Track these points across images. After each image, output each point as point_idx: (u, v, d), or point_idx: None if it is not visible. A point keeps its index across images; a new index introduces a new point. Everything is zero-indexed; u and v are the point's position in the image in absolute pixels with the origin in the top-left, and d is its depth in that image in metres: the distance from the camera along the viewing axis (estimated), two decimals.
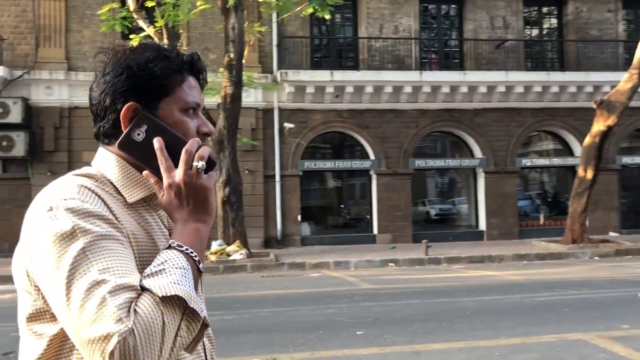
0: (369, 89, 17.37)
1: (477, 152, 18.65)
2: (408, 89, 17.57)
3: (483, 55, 18.47)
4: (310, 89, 17.13)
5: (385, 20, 18.23)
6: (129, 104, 1.07)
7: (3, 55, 16.12)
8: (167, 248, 1.00)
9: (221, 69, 14.30)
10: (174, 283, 0.93)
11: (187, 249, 1.00)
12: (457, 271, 12.10)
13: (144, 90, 1.08)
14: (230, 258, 13.80)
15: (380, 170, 17.98)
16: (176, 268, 0.96)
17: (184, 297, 0.92)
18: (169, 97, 1.10)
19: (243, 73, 14.57)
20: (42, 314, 1.03)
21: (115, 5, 13.71)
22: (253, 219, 16.90)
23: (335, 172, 18.64)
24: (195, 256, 1.01)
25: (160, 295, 0.91)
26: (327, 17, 14.37)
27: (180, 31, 14.21)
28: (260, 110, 17.34)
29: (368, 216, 18.41)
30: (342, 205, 19.31)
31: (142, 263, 1.01)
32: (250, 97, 16.88)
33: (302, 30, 17.85)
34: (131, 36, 14.11)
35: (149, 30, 13.76)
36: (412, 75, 17.56)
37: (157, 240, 1.09)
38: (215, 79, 14.32)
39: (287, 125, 17.41)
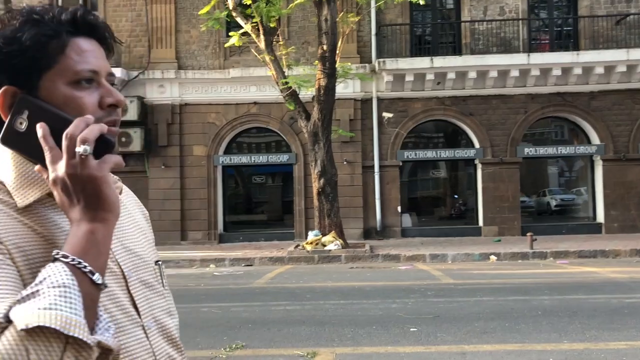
0: (472, 74, 16.65)
1: (594, 138, 17.22)
2: (515, 73, 16.61)
3: (600, 33, 16.98)
4: (409, 77, 16.77)
5: (490, 2, 17.35)
6: (3, 89, 0.89)
7: (121, 57, 17.46)
8: (52, 260, 0.81)
9: (316, 62, 14.44)
10: (45, 308, 0.74)
11: (72, 260, 0.80)
12: (558, 267, 11.30)
13: (17, 69, 0.89)
14: (326, 248, 13.96)
15: (486, 160, 17.21)
16: (53, 287, 0.76)
17: (54, 326, 0.73)
18: (50, 71, 0.90)
19: (338, 64, 14.60)
20: None
21: (213, 2, 14.26)
22: (352, 210, 16.95)
23: (437, 162, 18.12)
24: (85, 267, 0.80)
25: (20, 329, 0.73)
26: (422, 2, 13.95)
27: (273, 25, 14.43)
28: (359, 100, 17.28)
29: (472, 207, 17.74)
30: (445, 196, 18.75)
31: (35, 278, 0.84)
32: (349, 88, 16.89)
33: (402, 17, 17.49)
34: (230, 33, 14.70)
35: (247, 27, 14.20)
36: (520, 58, 16.56)
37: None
38: (313, 72, 14.52)
39: (386, 115, 17.20)
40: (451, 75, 16.64)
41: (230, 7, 14.44)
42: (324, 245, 14.09)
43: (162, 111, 17.29)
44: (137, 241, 1.05)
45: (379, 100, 17.29)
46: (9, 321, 0.74)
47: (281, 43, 15.12)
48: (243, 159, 17.69)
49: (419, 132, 17.86)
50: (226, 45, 15.30)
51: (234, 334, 5.77)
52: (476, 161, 17.43)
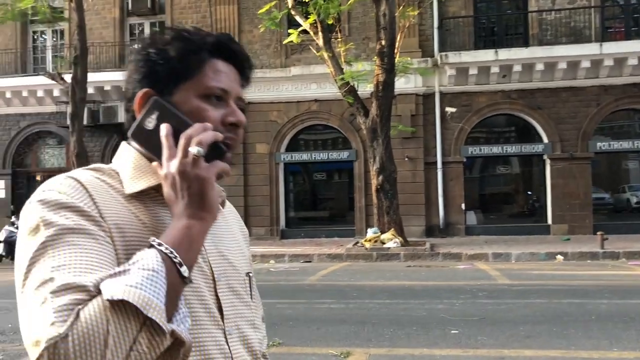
0: (540, 66, 15.99)
1: None
2: (586, 64, 15.81)
3: None
4: (473, 71, 16.31)
5: None
6: (142, 90, 0.98)
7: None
8: (148, 247, 0.86)
9: (375, 57, 14.30)
10: (131, 286, 0.78)
11: (166, 248, 0.84)
12: (629, 268, 10.66)
13: (159, 75, 0.99)
14: (385, 246, 13.82)
15: (555, 155, 16.50)
16: (143, 269, 0.81)
17: (134, 303, 0.77)
18: (187, 82, 0.99)
19: (397, 59, 14.40)
20: None
21: (273, 2, 14.40)
22: (414, 207, 16.70)
23: (503, 158, 17.51)
24: (176, 257, 0.84)
25: (105, 298, 0.78)
26: None
27: (330, 22, 14.40)
28: (421, 95, 16.98)
29: (541, 205, 17.04)
30: (512, 193, 18.09)
31: (129, 259, 0.87)
32: (410, 83, 16.64)
33: (465, 9, 17.03)
34: (289, 31, 14.80)
35: (305, 25, 14.25)
36: (591, 48, 15.74)
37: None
38: (372, 67, 14.38)
39: (449, 109, 16.81)
40: (517, 68, 16.05)
41: (290, 6, 14.55)
42: (383, 243, 13.95)
43: None
44: (231, 250, 1.10)
45: (442, 94, 16.92)
46: (99, 291, 0.80)
47: (339, 39, 15.07)
48: (304, 156, 17.80)
49: (484, 126, 17.31)
50: (285, 42, 15.42)
51: (274, 331, 5.79)
52: (545, 157, 16.73)
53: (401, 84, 16.24)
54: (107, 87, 17.60)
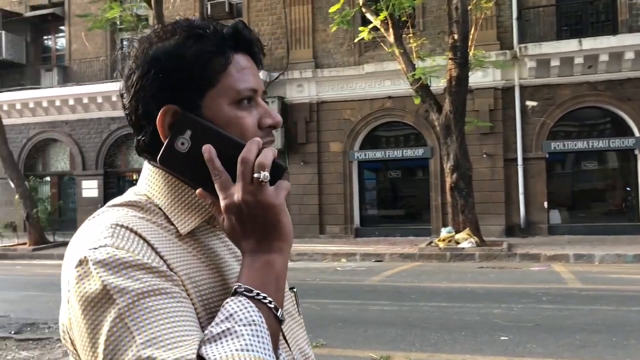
0: (630, 55, 14.93)
1: None
2: None
3: None
4: (555, 62, 15.50)
5: None
6: (164, 107, 0.84)
7: (263, 60, 18.30)
8: (233, 294, 0.77)
9: (447, 52, 13.95)
10: (242, 350, 0.70)
11: (258, 294, 0.76)
12: None
13: (179, 87, 0.84)
14: (459, 246, 13.47)
15: None
16: (244, 325, 0.73)
17: None
18: (213, 89, 0.85)
19: (471, 53, 13.98)
20: None
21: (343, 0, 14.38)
22: (492, 206, 16.14)
23: (589, 153, 16.48)
24: (270, 302, 0.76)
25: None
26: None
27: (403, 19, 14.19)
28: (499, 89, 16.35)
29: (632, 203, 15.92)
30: (598, 191, 17.01)
31: (208, 312, 0.80)
32: (488, 77, 16.09)
33: None
34: (360, 28, 14.74)
35: (376, 22, 14.14)
36: None
37: (228, 274, 0.86)
38: (446, 62, 14.04)
39: (530, 103, 16.07)
40: (604, 58, 15.08)
41: (361, 3, 14.49)
42: (458, 243, 13.60)
43: (301, 110, 17.86)
44: None
45: (522, 88, 16.21)
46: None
47: (411, 35, 14.82)
48: (378, 154, 17.66)
49: (568, 120, 16.39)
50: (356, 40, 15.37)
51: (321, 332, 5.81)
52: (636, 151, 15.63)
53: (478, 78, 15.74)
54: None
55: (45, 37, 21.52)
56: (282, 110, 17.57)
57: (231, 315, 0.73)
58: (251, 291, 0.76)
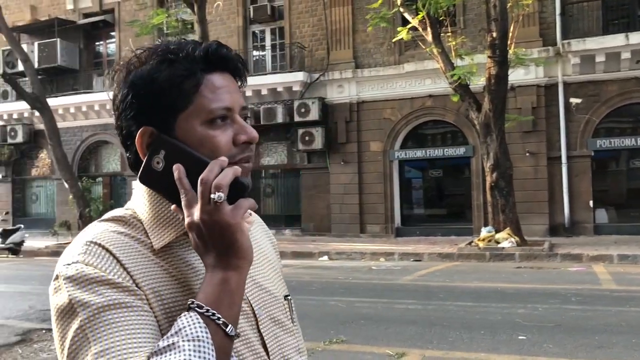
0: None
1: None
2: None
3: None
4: (600, 58, 15.12)
5: None
6: (141, 129, 0.89)
7: (305, 61, 18.59)
8: (187, 309, 0.82)
9: (487, 51, 13.82)
10: None
11: (207, 311, 0.80)
12: None
13: (154, 109, 0.89)
14: (499, 245, 13.34)
15: None
16: (188, 341, 0.77)
17: None
18: (186, 110, 0.90)
19: (511, 51, 13.81)
20: None
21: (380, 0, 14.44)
22: (536, 205, 15.88)
23: (637, 150, 15.96)
24: (219, 319, 0.80)
25: None
26: None
27: (441, 17, 14.14)
28: (542, 86, 16.06)
29: None
30: None
31: (171, 323, 0.84)
32: (530, 74, 15.84)
33: None
34: (399, 28, 14.77)
35: (414, 21, 14.15)
36: None
37: (196, 287, 0.90)
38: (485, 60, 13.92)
39: (574, 100, 15.71)
40: None
41: (399, 3, 14.53)
42: (498, 243, 13.46)
43: (341, 110, 18.01)
44: (267, 277, 1.05)
45: (566, 85, 15.87)
46: None
47: (449, 34, 14.75)
48: (418, 153, 17.62)
49: (615, 117, 15.92)
50: (394, 40, 15.40)
51: (343, 329, 5.97)
52: None
53: (520, 76, 15.53)
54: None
55: (97, 44, 22.43)
56: (322, 111, 17.78)
57: (180, 330, 0.78)
58: (202, 307, 0.80)
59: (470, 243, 14.03)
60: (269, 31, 19.67)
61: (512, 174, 13.94)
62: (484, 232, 13.94)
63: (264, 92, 18.19)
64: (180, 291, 0.88)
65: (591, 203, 15.73)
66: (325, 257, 13.99)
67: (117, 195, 21.64)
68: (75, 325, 0.79)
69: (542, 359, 4.79)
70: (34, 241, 18.52)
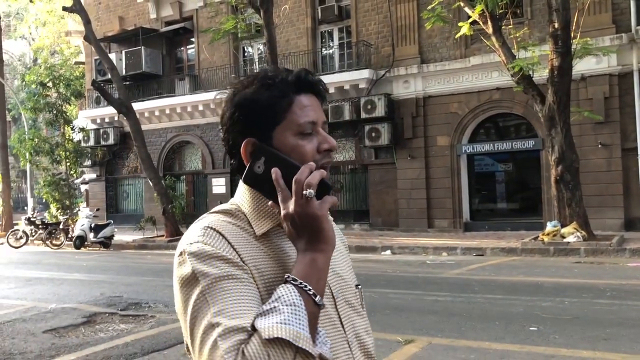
0: None
1: None
2: None
3: None
4: None
5: None
6: (246, 140, 1.10)
7: (371, 59, 18.89)
8: (284, 282, 1.00)
9: (549, 42, 13.52)
10: (281, 323, 0.93)
11: (301, 283, 0.98)
12: None
13: (256, 124, 1.10)
14: (564, 240, 13.08)
15: None
16: (286, 305, 0.95)
17: (288, 338, 0.92)
18: (281, 125, 1.11)
19: (578, 40, 13.44)
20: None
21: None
22: (610, 198, 15.34)
23: None
24: (310, 290, 0.98)
25: (264, 338, 0.92)
26: None
27: (501, 11, 13.96)
28: (615, 75, 15.43)
29: None
30: None
31: (270, 294, 1.01)
32: (602, 63, 15.28)
33: None
34: (460, 24, 14.75)
35: (474, 16, 14.09)
36: None
37: (289, 267, 1.08)
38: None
39: None
40: None
41: None
42: (563, 237, 13.19)
43: (407, 105, 18.15)
44: (342, 266, 1.24)
45: None
46: (254, 329, 0.94)
47: (511, 26, 14.54)
48: (486, 147, 17.43)
49: None
50: (457, 36, 15.36)
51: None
52: None
53: (591, 65, 15.06)
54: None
55: (178, 50, 23.84)
56: (388, 107, 18.00)
57: (279, 297, 0.97)
58: (296, 280, 0.99)
59: (535, 238, 13.81)
60: (336, 31, 20.12)
61: (579, 167, 13.58)
62: (549, 226, 13.68)
63: (332, 90, 18.65)
64: (277, 269, 1.07)
65: None
66: (388, 252, 14.23)
67: (198, 192, 22.94)
68: (197, 290, 0.99)
69: (540, 349, 4.94)
70: (123, 235, 20.11)
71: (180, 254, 1.04)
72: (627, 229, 15.06)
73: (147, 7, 23.40)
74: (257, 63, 21.51)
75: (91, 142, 23.53)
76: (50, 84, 22.65)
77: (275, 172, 1.03)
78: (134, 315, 7.43)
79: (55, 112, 22.83)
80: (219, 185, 21.85)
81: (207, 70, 21.89)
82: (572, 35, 13.23)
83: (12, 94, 32.38)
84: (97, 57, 20.65)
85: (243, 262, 1.03)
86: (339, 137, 19.11)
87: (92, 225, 18.25)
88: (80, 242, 18.06)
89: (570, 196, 13.42)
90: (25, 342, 6.14)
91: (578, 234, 13.09)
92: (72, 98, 23.69)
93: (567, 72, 13.28)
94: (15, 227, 20.98)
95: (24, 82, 24.27)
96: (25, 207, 28.06)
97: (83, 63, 27.29)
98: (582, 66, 14.67)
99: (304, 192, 0.99)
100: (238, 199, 1.16)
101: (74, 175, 24.88)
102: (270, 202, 1.08)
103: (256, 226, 1.10)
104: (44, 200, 27.29)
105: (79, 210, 21.93)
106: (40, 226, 19.72)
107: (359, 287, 1.27)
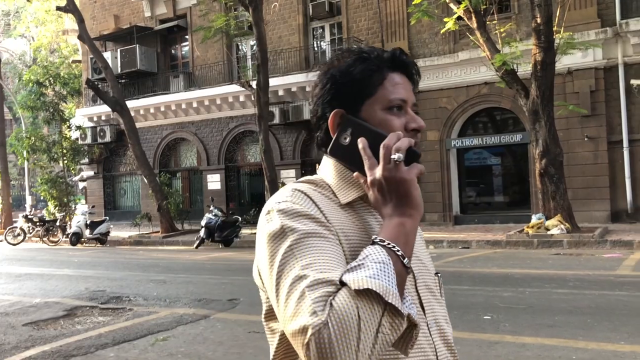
0: None
1: None
2: None
3: None
4: None
5: None
6: (334, 111, 1.10)
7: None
8: (371, 244, 0.98)
9: (532, 37, 13.67)
10: (369, 277, 0.90)
11: (388, 243, 0.96)
12: None
13: (346, 96, 1.11)
14: (548, 232, 13.26)
15: None
16: (375, 262, 0.93)
17: (377, 290, 0.89)
18: (371, 98, 1.10)
19: (560, 35, 13.58)
20: (273, 312, 1.08)
21: None
22: (596, 191, 15.50)
23: None
24: (398, 250, 0.96)
25: (353, 289, 0.90)
26: None
27: (484, 7, 14.10)
28: (601, 69, 15.57)
29: None
30: None
31: (354, 257, 0.99)
32: (588, 57, 15.41)
33: None
34: (445, 19, 14.89)
35: (458, 12, 14.24)
36: None
37: (372, 235, 1.07)
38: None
39: (636, 82, 15.09)
40: None
41: None
42: (547, 230, 13.37)
43: None
44: (422, 252, 1.22)
45: (626, 66, 15.29)
46: (342, 284, 0.92)
47: (496, 21, 14.69)
48: (475, 141, 17.60)
49: None
50: (442, 31, 15.51)
51: None
52: None
53: (577, 59, 15.19)
54: (294, 89, 19.54)
55: (172, 47, 24.06)
56: None
57: (367, 256, 0.95)
58: (384, 241, 0.97)
59: (520, 231, 13.99)
60: (328, 27, 20.30)
61: (563, 160, 13.75)
62: (534, 219, 13.86)
63: None
64: (362, 236, 1.07)
65: None
66: None
67: (194, 188, 23.21)
68: (285, 244, 0.99)
69: (486, 335, 5.13)
70: (120, 232, 20.41)
71: (268, 212, 1.05)
72: (614, 221, 15.23)
73: (142, 5, 23.63)
74: (249, 60, 21.71)
75: (88, 140, 23.81)
76: (47, 83, 22.93)
77: (362, 141, 1.03)
78: (113, 308, 7.67)
79: (52, 110, 23.12)
80: (213, 181, 22.10)
81: (201, 67, 22.11)
82: (554, 30, 13.38)
83: (11, 92, 32.71)
84: (92, 56, 20.89)
85: (330, 224, 1.03)
86: None
87: (88, 222, 18.54)
88: (76, 238, 18.36)
89: (554, 189, 13.59)
90: (5, 335, 6.38)
91: (562, 226, 13.26)
92: (69, 96, 23.97)
93: (550, 66, 13.43)
94: (14, 224, 21.33)
95: (21, 81, 24.54)
96: (26, 205, 28.43)
97: (80, 61, 27.56)
98: (568, 60, 14.82)
99: (393, 156, 0.98)
100: (322, 172, 1.17)
101: (73, 172, 25.20)
102: (355, 174, 1.07)
103: (341, 195, 1.11)
104: (42, 198, 27.64)
105: (76, 207, 22.24)
106: (37, 223, 20.06)
107: (438, 275, 1.26)
